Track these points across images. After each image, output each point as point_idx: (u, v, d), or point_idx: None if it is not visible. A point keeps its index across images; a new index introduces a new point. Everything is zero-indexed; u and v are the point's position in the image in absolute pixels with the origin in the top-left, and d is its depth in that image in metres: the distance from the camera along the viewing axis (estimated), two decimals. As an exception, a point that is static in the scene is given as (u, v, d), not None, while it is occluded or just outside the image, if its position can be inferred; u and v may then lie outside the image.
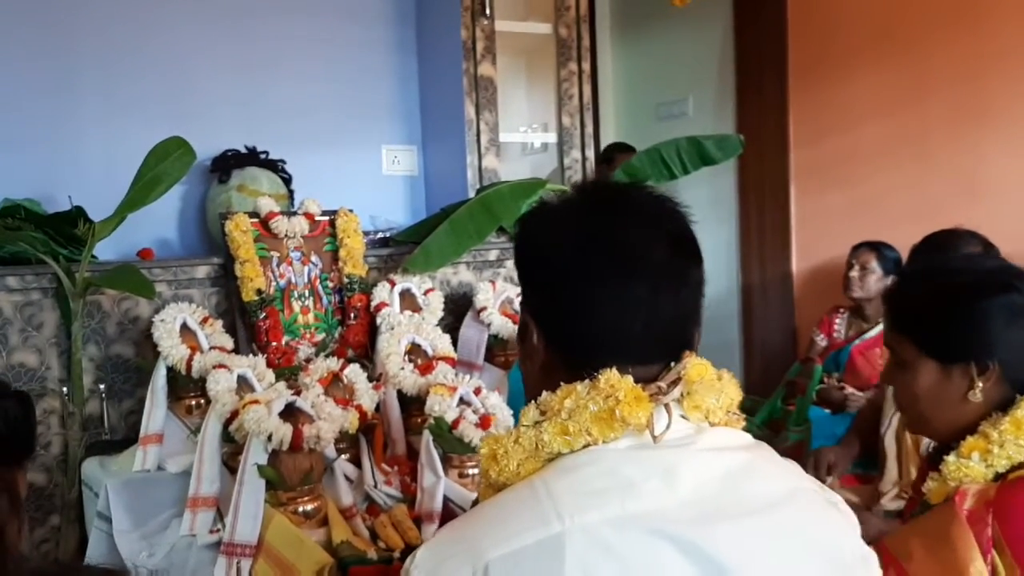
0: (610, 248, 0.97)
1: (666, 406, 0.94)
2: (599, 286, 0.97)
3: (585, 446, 0.93)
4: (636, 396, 0.92)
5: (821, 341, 3.60)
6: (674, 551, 0.86)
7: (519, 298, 1.20)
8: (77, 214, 2.49)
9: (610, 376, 0.94)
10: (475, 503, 1.10)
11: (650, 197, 1.03)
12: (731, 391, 1.00)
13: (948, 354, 1.41)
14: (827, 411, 3.24)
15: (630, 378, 0.94)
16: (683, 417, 0.97)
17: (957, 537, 1.25)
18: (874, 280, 3.38)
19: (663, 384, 0.95)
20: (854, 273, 3.42)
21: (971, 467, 1.33)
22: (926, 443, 2.53)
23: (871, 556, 1.02)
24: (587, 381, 0.95)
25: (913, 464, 2.57)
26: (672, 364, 0.98)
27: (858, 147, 3.78)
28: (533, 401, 0.98)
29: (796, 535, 0.94)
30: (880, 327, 3.35)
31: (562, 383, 0.97)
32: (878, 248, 3.41)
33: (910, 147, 3.64)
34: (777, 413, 3.12)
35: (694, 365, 0.97)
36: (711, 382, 0.98)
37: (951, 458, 1.35)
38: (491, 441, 0.97)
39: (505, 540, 0.86)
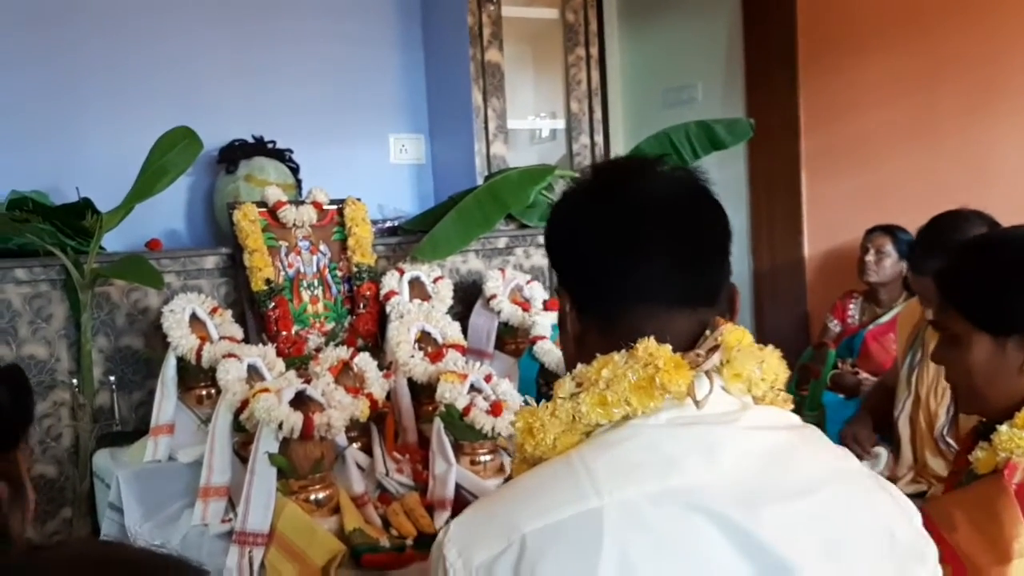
0: (625, 201, 1.00)
1: (707, 373, 0.92)
2: (616, 236, 0.98)
3: (624, 417, 0.91)
4: (676, 363, 0.91)
5: (834, 326, 3.57)
6: (713, 528, 0.85)
7: (544, 269, 1.22)
8: (84, 206, 2.48)
9: (648, 344, 0.92)
10: (508, 479, 1.10)
11: (667, 163, 1.05)
12: (775, 364, 0.98)
13: (1001, 326, 1.39)
14: (841, 396, 3.22)
15: (668, 347, 0.92)
16: (724, 390, 0.95)
17: (1003, 510, 1.23)
18: (889, 264, 3.35)
19: (701, 351, 0.94)
20: (869, 257, 3.39)
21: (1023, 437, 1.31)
22: (939, 426, 2.52)
23: (930, 550, 0.97)
24: (624, 351, 0.93)
25: (927, 448, 2.55)
26: (707, 333, 0.96)
27: (869, 132, 3.74)
28: (568, 374, 0.97)
29: (840, 517, 0.91)
30: (894, 312, 3.33)
31: (597, 355, 0.95)
32: (893, 232, 3.38)
33: (921, 132, 3.61)
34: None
35: (731, 331, 0.96)
36: (750, 348, 0.96)
37: (1004, 428, 1.33)
38: (527, 414, 0.95)
39: (541, 513, 0.84)
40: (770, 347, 0.99)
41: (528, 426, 0.94)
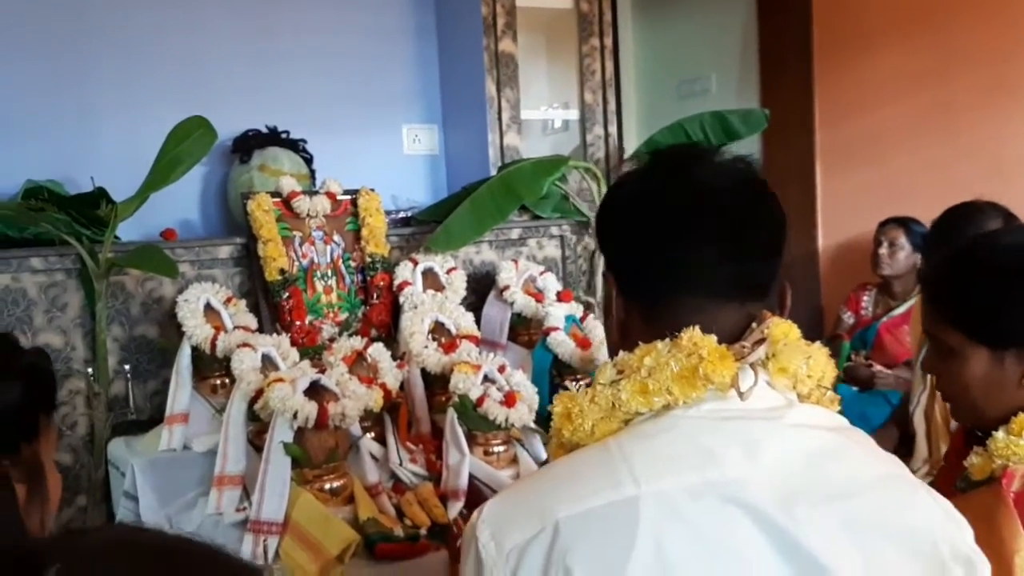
0: (679, 189, 0.97)
1: (751, 365, 0.90)
2: (669, 224, 0.96)
3: (665, 406, 0.89)
4: (721, 354, 0.89)
5: (848, 319, 3.56)
6: (750, 523, 0.83)
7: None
8: (99, 195, 2.49)
9: (693, 334, 0.90)
10: (544, 464, 1.09)
11: (723, 151, 1.02)
12: (821, 361, 0.96)
13: (1000, 339, 1.32)
14: (854, 388, 3.21)
15: (713, 337, 0.90)
16: (769, 384, 0.93)
17: (1003, 523, 1.19)
18: (903, 256, 3.34)
19: (747, 344, 0.91)
20: (883, 250, 3.37)
21: (1021, 445, 1.26)
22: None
23: (979, 561, 0.92)
24: (668, 339, 0.91)
25: (943, 441, 2.54)
26: (753, 325, 0.94)
27: (884, 125, 3.72)
28: (609, 360, 0.95)
29: (881, 522, 0.88)
30: (908, 304, 3.31)
31: (640, 343, 0.94)
32: (906, 224, 3.36)
33: (937, 125, 3.58)
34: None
35: (778, 324, 0.94)
36: (797, 343, 0.94)
37: (1000, 435, 1.28)
38: (565, 399, 0.93)
39: (576, 499, 0.83)
40: (817, 344, 0.97)
41: (566, 411, 0.93)
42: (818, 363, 0.95)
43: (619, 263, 1.02)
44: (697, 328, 0.91)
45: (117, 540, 0.61)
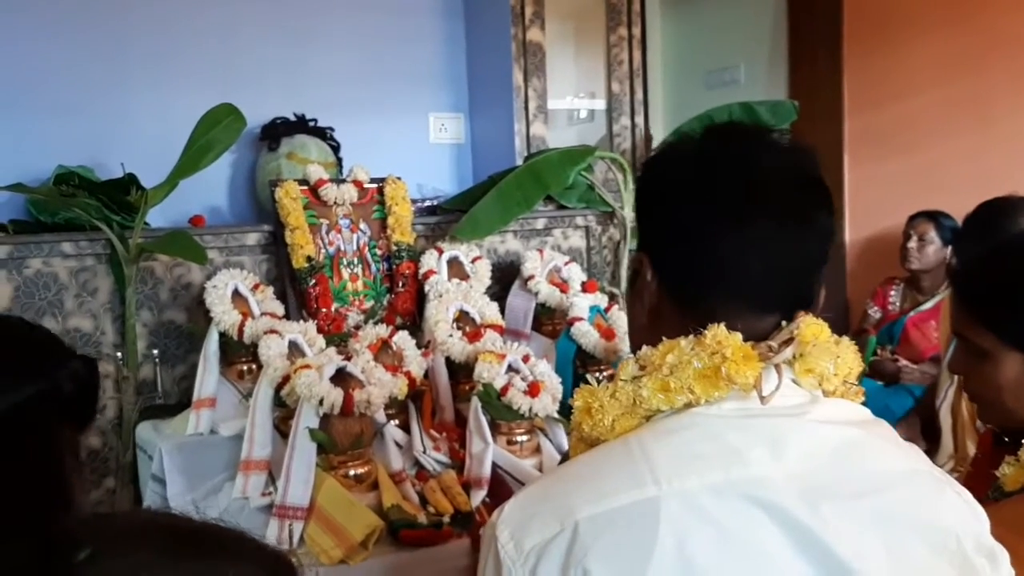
0: (735, 179, 0.92)
1: (776, 367, 0.88)
2: (717, 218, 0.91)
3: (686, 405, 0.88)
4: (745, 354, 0.86)
5: (875, 313, 3.53)
6: (773, 523, 0.82)
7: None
8: (129, 181, 2.52)
9: (717, 332, 0.88)
10: (564, 459, 1.08)
11: (781, 141, 0.97)
12: (849, 358, 0.94)
13: None
14: (880, 383, 3.19)
15: (739, 335, 0.88)
16: (794, 382, 0.91)
17: None
18: (932, 251, 3.31)
19: (774, 344, 0.89)
20: (912, 244, 3.34)
21: None
22: None
23: (1001, 553, 0.92)
24: (691, 337, 0.89)
25: (969, 437, 2.52)
26: (784, 324, 0.91)
27: (915, 114, 3.67)
28: (632, 356, 0.94)
29: (906, 518, 0.87)
30: (936, 299, 3.29)
31: (667, 335, 0.91)
32: (936, 218, 3.32)
33: (969, 114, 3.53)
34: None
35: (808, 325, 0.91)
36: (826, 345, 0.92)
37: None
38: (585, 393, 0.92)
39: (597, 499, 0.82)
40: (846, 340, 0.95)
41: (587, 406, 0.91)
42: (846, 361, 0.93)
43: (660, 248, 0.97)
44: (723, 325, 0.89)
45: (146, 524, 0.62)
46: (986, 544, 0.91)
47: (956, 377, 2.54)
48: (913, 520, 0.88)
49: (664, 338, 0.92)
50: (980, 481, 1.39)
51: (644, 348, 0.93)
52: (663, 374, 0.88)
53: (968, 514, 0.92)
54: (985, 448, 1.46)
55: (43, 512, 0.70)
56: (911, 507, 0.88)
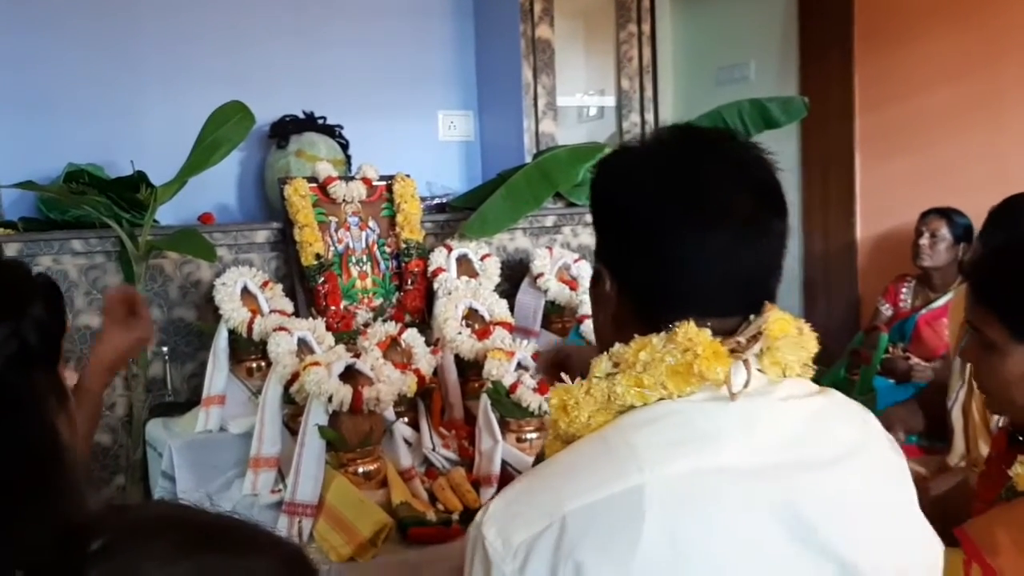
0: (690, 194, 0.93)
1: (745, 361, 0.90)
2: (677, 234, 0.92)
3: (659, 399, 0.89)
4: (715, 351, 0.88)
5: (886, 310, 3.51)
6: (751, 499, 0.84)
7: (592, 249, 1.14)
8: (139, 179, 2.53)
9: (688, 329, 0.89)
10: (539, 459, 1.08)
11: (734, 143, 0.98)
12: (810, 344, 0.96)
13: None
14: (891, 381, 3.17)
15: (708, 332, 0.90)
16: (760, 371, 0.93)
17: None
18: (944, 248, 3.28)
19: (742, 339, 0.91)
20: (923, 241, 3.31)
21: None
22: (995, 418, 2.46)
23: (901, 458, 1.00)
24: (663, 333, 0.91)
25: (982, 438, 2.50)
26: (752, 317, 0.93)
27: (927, 111, 3.65)
28: (605, 352, 0.94)
29: (870, 484, 0.92)
30: (947, 297, 3.26)
31: (636, 335, 0.92)
32: (948, 215, 3.30)
33: (981, 111, 3.51)
34: (841, 382, 3.06)
35: (776, 320, 0.93)
36: (794, 338, 0.94)
37: None
38: (561, 392, 0.93)
39: (582, 492, 0.83)
40: (806, 327, 0.97)
41: (563, 403, 0.92)
42: (808, 349, 0.96)
43: (617, 259, 0.98)
44: (692, 322, 0.90)
45: (161, 516, 0.62)
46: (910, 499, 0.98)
47: (967, 378, 2.52)
48: (876, 485, 0.93)
49: (636, 336, 0.93)
50: (993, 481, 1.38)
51: (617, 345, 0.93)
52: (636, 371, 0.90)
53: (908, 478, 0.99)
54: (999, 447, 1.45)
55: (43, 477, 0.70)
56: (873, 471, 0.94)
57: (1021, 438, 1.35)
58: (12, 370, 0.90)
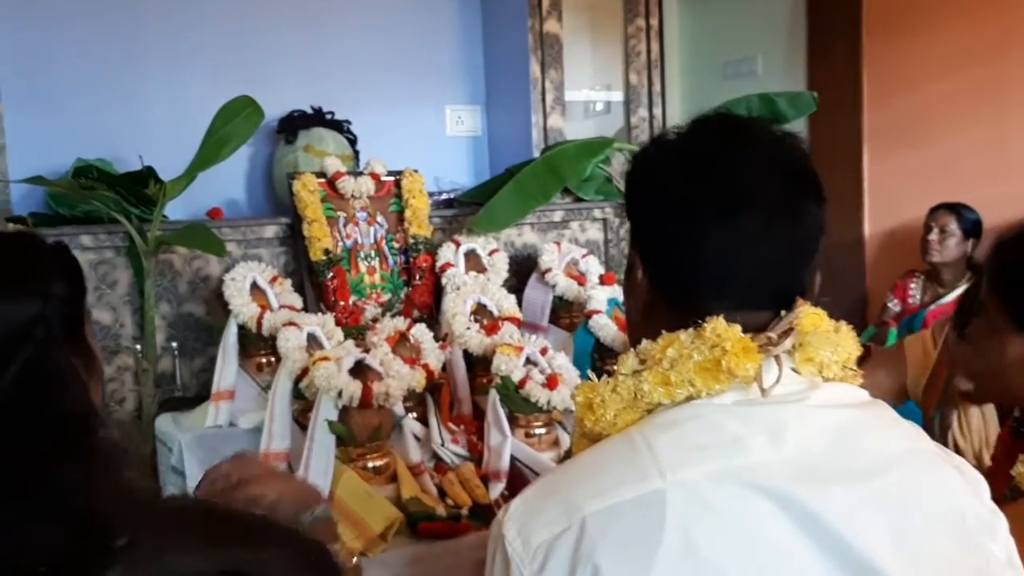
0: (718, 178, 0.92)
1: (776, 358, 0.88)
2: (707, 219, 0.91)
3: (687, 398, 0.88)
4: (744, 347, 0.87)
5: (894, 306, 3.51)
6: (776, 509, 0.83)
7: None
8: (148, 174, 2.52)
9: (716, 325, 0.88)
10: (567, 454, 1.08)
11: (768, 131, 0.97)
12: (848, 344, 0.93)
13: None
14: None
15: (738, 327, 0.88)
16: (794, 371, 0.91)
17: None
18: (953, 243, 3.28)
19: (773, 335, 0.89)
20: (933, 236, 3.31)
21: None
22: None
23: (996, 517, 0.94)
24: (691, 330, 0.89)
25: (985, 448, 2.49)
26: (783, 313, 0.91)
27: (935, 106, 3.64)
28: (632, 349, 0.93)
29: (908, 498, 0.88)
30: (956, 292, 3.26)
31: (663, 331, 0.92)
32: (957, 210, 3.30)
33: (989, 105, 3.50)
34: (849, 378, 3.05)
35: (808, 315, 0.91)
36: (826, 333, 0.92)
37: None
38: (587, 389, 0.92)
39: (603, 494, 0.83)
40: (844, 326, 0.94)
41: (588, 401, 0.92)
42: (845, 348, 0.93)
43: (649, 248, 0.98)
44: (721, 318, 0.89)
45: (183, 510, 0.62)
46: (983, 512, 0.92)
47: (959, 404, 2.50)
48: (916, 501, 0.88)
49: (663, 331, 0.92)
50: (998, 479, 1.37)
51: (644, 342, 0.93)
52: (663, 368, 0.89)
53: (967, 488, 0.93)
54: (1003, 445, 1.44)
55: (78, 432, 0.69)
56: (913, 488, 0.89)
57: (1022, 430, 1.35)
58: (42, 355, 0.89)
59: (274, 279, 2.41)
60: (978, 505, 0.93)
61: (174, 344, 2.43)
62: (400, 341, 2.26)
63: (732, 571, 0.81)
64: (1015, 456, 1.34)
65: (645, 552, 0.80)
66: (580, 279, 2.70)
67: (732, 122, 1.00)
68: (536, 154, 3.13)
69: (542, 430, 2.16)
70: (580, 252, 2.79)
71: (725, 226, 0.90)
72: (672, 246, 0.94)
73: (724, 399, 0.88)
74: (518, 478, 2.02)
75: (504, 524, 0.86)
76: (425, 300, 2.62)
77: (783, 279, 0.93)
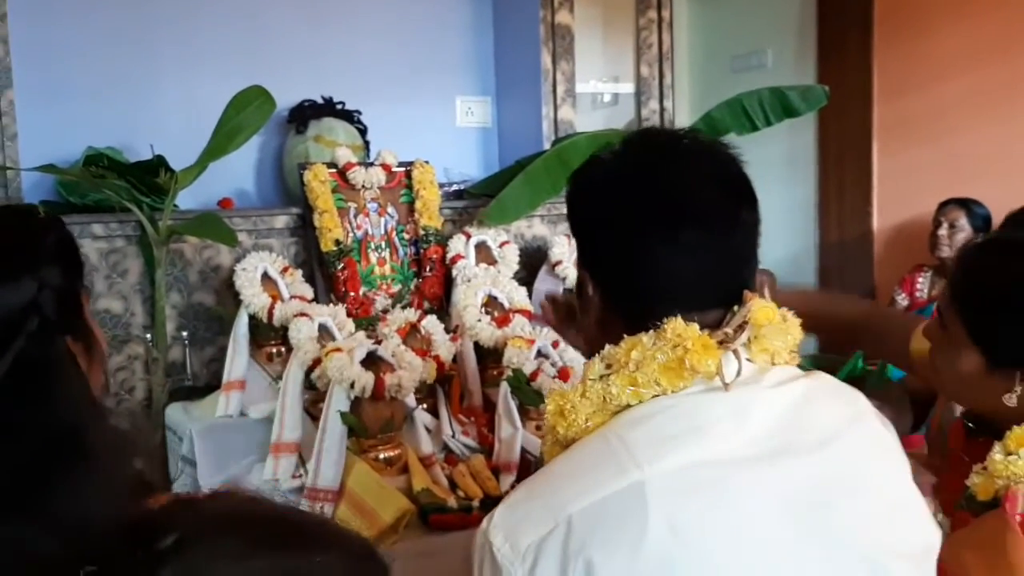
0: (654, 194, 0.96)
1: (735, 352, 0.93)
2: (647, 233, 0.95)
3: (654, 397, 0.92)
4: (704, 344, 0.91)
5: (902, 300, 3.50)
6: (754, 487, 0.87)
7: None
8: (159, 163, 2.52)
9: (676, 325, 0.92)
10: (538, 464, 1.10)
11: (695, 142, 1.02)
12: (795, 331, 0.99)
13: (996, 355, 1.27)
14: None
15: (696, 326, 0.92)
16: (749, 360, 0.95)
17: (1013, 550, 1.13)
18: (963, 238, 3.27)
19: (730, 330, 0.93)
20: (942, 231, 3.30)
21: (1019, 464, 1.19)
22: None
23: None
24: (652, 332, 0.93)
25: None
26: (735, 308, 0.95)
27: (945, 101, 3.62)
28: (597, 355, 0.96)
29: (860, 458, 0.95)
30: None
31: (624, 335, 0.95)
32: (967, 205, 3.29)
33: (999, 100, 3.48)
34: (857, 373, 3.05)
35: (760, 308, 0.95)
36: (778, 324, 0.97)
37: (998, 456, 1.21)
38: (557, 396, 0.95)
39: (585, 492, 0.85)
40: (790, 315, 0.99)
41: (559, 408, 0.94)
42: (793, 336, 0.99)
43: (596, 264, 1.02)
44: (679, 318, 0.93)
45: (231, 511, 0.62)
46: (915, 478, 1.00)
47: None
48: (866, 460, 0.96)
49: (624, 336, 0.95)
50: (953, 481, 1.35)
51: (608, 347, 0.96)
52: (630, 370, 0.92)
53: (902, 453, 1.01)
54: (957, 441, 1.43)
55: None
56: (863, 448, 0.97)
57: (972, 426, 1.36)
58: (37, 346, 0.87)
59: (285, 269, 2.41)
60: (906, 474, 1.00)
61: (184, 333, 2.43)
62: (411, 332, 2.26)
63: (716, 548, 0.85)
64: (970, 449, 1.33)
65: (633, 541, 0.82)
66: (590, 272, 2.69)
67: (664, 137, 1.05)
68: (546, 146, 3.12)
69: (552, 423, 2.16)
70: (590, 244, 2.78)
71: (667, 240, 0.95)
72: (618, 263, 0.98)
73: (688, 391, 0.92)
74: (528, 470, 2.02)
75: (489, 532, 0.87)
76: (435, 291, 2.62)
77: (728, 279, 0.97)
